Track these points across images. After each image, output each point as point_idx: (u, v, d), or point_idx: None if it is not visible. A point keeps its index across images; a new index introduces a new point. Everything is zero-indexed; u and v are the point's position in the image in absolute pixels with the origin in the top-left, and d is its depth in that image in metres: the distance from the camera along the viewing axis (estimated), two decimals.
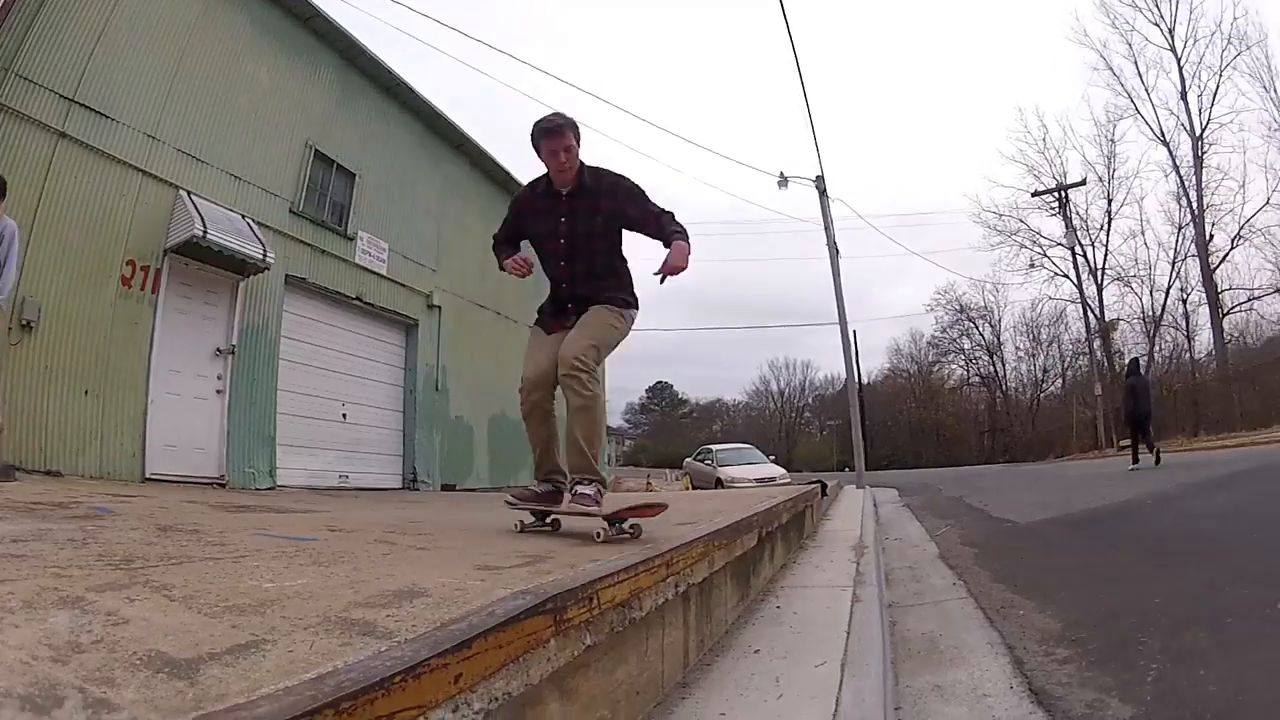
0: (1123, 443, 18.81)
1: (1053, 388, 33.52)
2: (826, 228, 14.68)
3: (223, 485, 6.40)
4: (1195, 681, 1.93)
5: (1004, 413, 34.35)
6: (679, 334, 77.23)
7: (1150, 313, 26.37)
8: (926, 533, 6.13)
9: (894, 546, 5.40)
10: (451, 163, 10.85)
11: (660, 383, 60.87)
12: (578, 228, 2.49)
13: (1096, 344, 25.93)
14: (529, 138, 2.47)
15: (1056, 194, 25.37)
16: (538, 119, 2.47)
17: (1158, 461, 10.06)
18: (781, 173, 15.11)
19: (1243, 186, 23.41)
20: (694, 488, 16.00)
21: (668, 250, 2.40)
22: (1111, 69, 25.07)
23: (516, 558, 1.60)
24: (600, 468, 2.46)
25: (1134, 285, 26.62)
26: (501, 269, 2.64)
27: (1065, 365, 32.18)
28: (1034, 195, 25.83)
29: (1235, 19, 23.58)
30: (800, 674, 1.59)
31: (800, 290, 67.93)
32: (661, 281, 2.39)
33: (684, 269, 2.37)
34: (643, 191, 2.55)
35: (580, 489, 2.31)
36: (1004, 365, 35.49)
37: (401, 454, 9.38)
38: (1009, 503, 7.86)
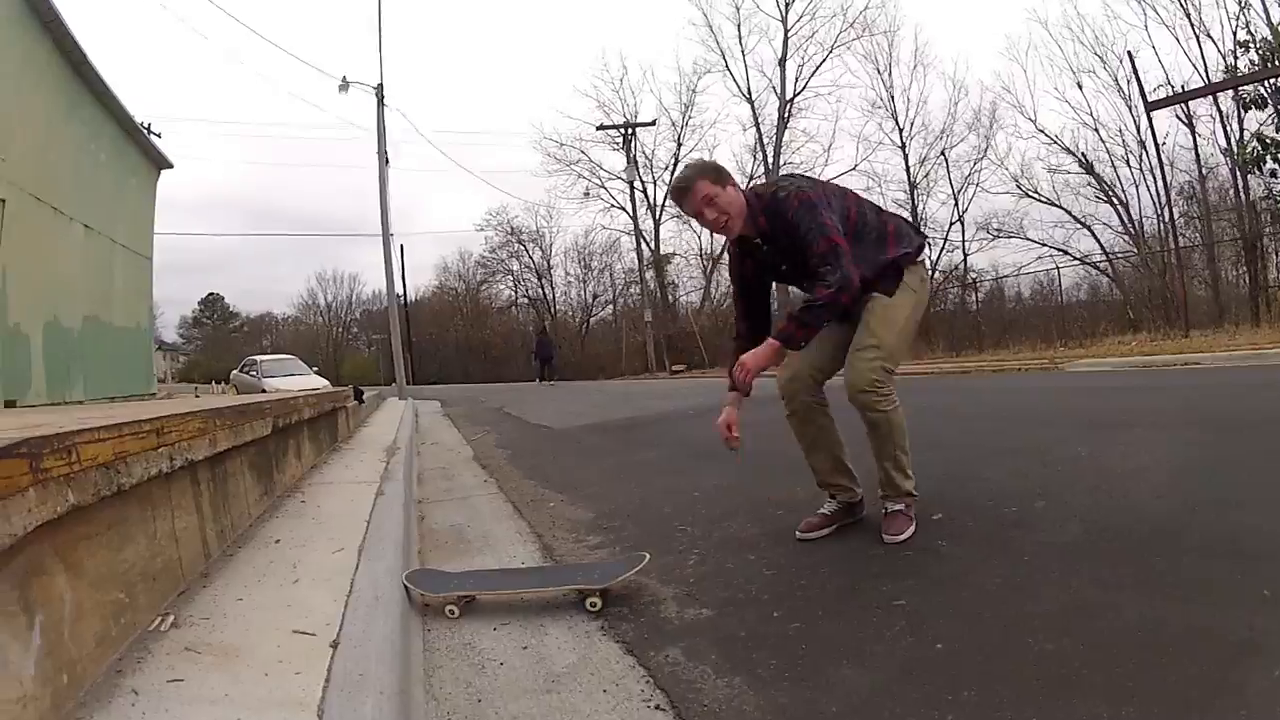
0: (675, 367, 22.82)
1: (604, 313, 34.11)
2: (380, 137, 14.63)
3: None
4: (742, 564, 2.07)
5: (552, 334, 33.94)
6: (230, 241, 72.40)
7: (709, 251, 27.68)
8: (463, 438, 6.00)
9: (430, 450, 5.23)
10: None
11: (212, 294, 55.49)
12: (789, 271, 2.20)
13: (649, 275, 26.65)
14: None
15: (623, 130, 25.44)
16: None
17: (554, 383, 18.08)
18: (345, 77, 14.51)
19: (828, 150, 25.38)
20: None
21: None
22: (711, 26, 25.86)
23: None
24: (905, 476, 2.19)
25: (692, 224, 28.64)
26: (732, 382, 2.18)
27: (617, 293, 32.95)
28: (599, 129, 25.82)
29: (867, 7, 24.04)
30: (317, 560, 1.64)
31: (350, 201, 66.50)
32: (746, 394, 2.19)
33: (751, 373, 2.10)
34: (804, 211, 2.04)
35: (891, 507, 2.22)
36: (554, 289, 35.76)
37: None
38: (548, 412, 7.90)
